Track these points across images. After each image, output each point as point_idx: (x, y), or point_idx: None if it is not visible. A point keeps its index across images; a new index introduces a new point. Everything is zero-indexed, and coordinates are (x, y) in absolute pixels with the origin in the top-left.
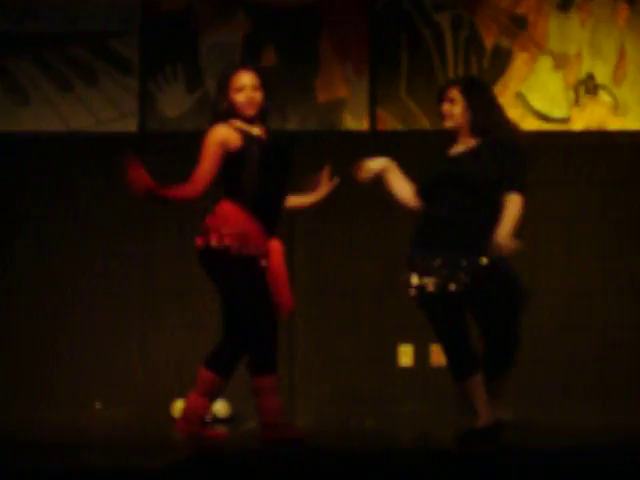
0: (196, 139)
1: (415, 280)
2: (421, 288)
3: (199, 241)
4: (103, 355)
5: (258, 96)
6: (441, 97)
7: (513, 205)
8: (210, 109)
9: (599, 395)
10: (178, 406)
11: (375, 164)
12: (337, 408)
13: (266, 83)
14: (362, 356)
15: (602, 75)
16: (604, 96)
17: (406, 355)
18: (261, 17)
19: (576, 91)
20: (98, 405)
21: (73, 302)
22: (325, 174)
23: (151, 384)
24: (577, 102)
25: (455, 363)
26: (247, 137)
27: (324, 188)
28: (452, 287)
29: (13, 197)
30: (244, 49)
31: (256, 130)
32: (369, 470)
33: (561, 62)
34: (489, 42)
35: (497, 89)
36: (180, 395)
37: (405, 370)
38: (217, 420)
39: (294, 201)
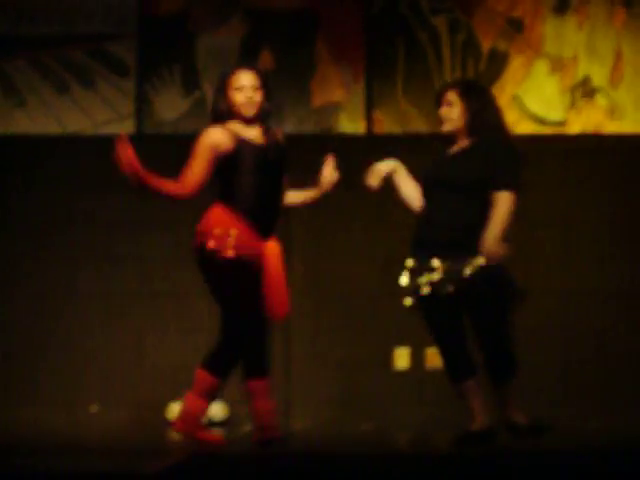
0: (193, 142)
1: (406, 282)
2: (416, 290)
3: (194, 243)
4: (99, 358)
5: (258, 96)
6: (439, 100)
7: (502, 204)
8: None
9: (596, 397)
10: (174, 409)
11: (383, 166)
12: (333, 411)
13: (266, 84)
14: (358, 359)
15: (598, 78)
16: (600, 99)
17: (402, 358)
18: (258, 20)
19: (572, 94)
20: (94, 408)
21: (69, 305)
22: (328, 165)
23: (147, 387)
24: (573, 105)
25: (451, 365)
26: (240, 140)
27: (327, 181)
28: (444, 290)
29: (9, 199)
30: (241, 52)
31: (253, 131)
32: (366, 474)
33: (557, 65)
34: (485, 45)
35: (493, 92)
36: (176, 398)
37: (401, 373)
38: (214, 423)
39: (296, 197)
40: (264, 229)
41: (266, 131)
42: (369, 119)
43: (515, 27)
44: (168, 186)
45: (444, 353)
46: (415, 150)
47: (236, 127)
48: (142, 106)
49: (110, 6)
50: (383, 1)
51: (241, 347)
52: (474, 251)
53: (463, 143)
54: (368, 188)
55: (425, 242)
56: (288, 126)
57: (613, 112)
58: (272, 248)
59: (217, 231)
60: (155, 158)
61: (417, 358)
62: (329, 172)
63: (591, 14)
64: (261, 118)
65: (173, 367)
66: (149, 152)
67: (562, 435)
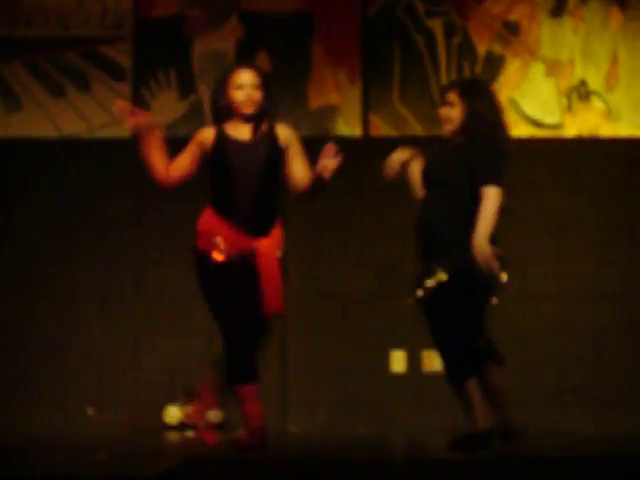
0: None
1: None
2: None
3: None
4: (95, 361)
5: (257, 95)
6: (440, 100)
7: (486, 200)
8: (209, 106)
9: (591, 401)
10: (171, 411)
11: (400, 156)
12: (329, 414)
13: (266, 83)
14: (354, 362)
15: (594, 81)
16: (596, 102)
17: (398, 361)
18: (254, 23)
19: (568, 97)
20: (90, 411)
21: (65, 308)
22: (329, 150)
23: (143, 389)
24: (569, 108)
25: (450, 366)
26: (225, 140)
27: (327, 162)
28: (419, 293)
29: (5, 202)
30: (237, 55)
31: (245, 130)
32: (362, 478)
33: (554, 68)
34: (482, 48)
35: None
36: (172, 401)
37: (397, 376)
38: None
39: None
40: (253, 228)
41: (260, 129)
42: (365, 122)
43: (511, 30)
44: (156, 166)
45: (442, 353)
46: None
47: (229, 127)
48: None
49: (106, 9)
50: (379, 4)
51: (238, 349)
52: (464, 248)
53: (458, 141)
54: (386, 179)
55: (419, 240)
56: None
57: (609, 115)
58: (263, 247)
59: (205, 235)
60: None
61: (413, 361)
62: (328, 159)
63: (587, 17)
64: (260, 117)
65: (169, 370)
66: None
67: (558, 439)
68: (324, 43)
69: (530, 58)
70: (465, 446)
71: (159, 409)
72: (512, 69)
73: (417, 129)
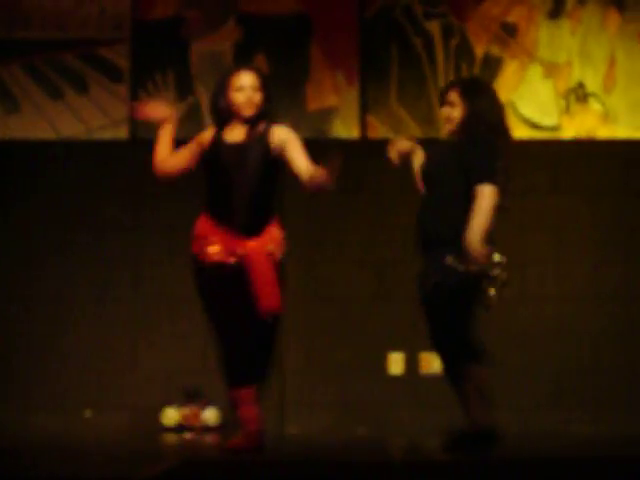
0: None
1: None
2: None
3: None
4: (93, 362)
5: (257, 97)
6: (442, 100)
7: (480, 198)
8: (209, 108)
9: (590, 402)
10: (168, 413)
11: (403, 145)
12: (328, 416)
13: (266, 85)
14: (352, 364)
15: (592, 83)
16: (594, 104)
17: (396, 363)
18: (252, 25)
19: (566, 99)
20: (88, 413)
21: (63, 310)
22: (334, 159)
23: (141, 391)
24: (567, 110)
25: (446, 356)
26: (219, 143)
27: (321, 173)
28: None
29: (3, 203)
30: (235, 57)
31: (241, 132)
32: (361, 479)
33: (551, 70)
34: (479, 50)
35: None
36: (170, 403)
37: (395, 378)
38: (207, 428)
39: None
40: (245, 230)
41: (255, 131)
42: (363, 124)
43: (509, 32)
44: (158, 152)
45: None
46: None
47: (228, 129)
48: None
49: (104, 11)
50: (377, 6)
51: (233, 352)
52: (457, 247)
53: (454, 141)
54: (389, 161)
55: (418, 239)
56: None
57: (607, 117)
58: (251, 248)
59: (198, 239)
60: (148, 163)
61: (411, 363)
62: (329, 168)
63: (585, 19)
64: (260, 119)
65: (167, 372)
66: (143, 157)
67: (558, 440)
68: (322, 45)
69: (528, 60)
70: (464, 446)
71: (157, 411)
72: (510, 71)
73: (415, 131)
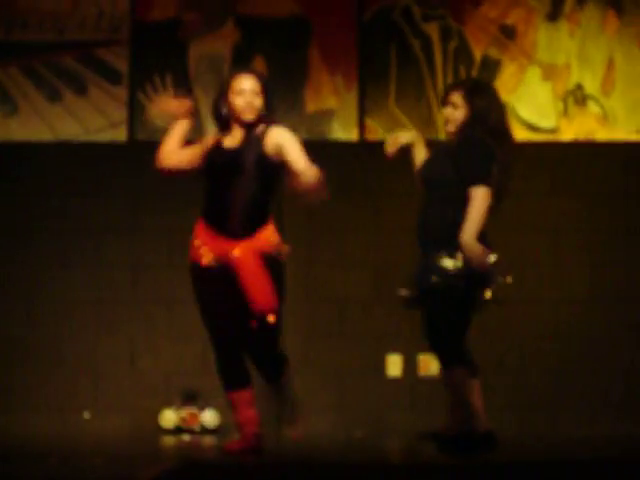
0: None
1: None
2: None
3: None
4: (91, 364)
5: (257, 101)
6: (444, 100)
7: (473, 199)
8: (212, 112)
9: (587, 405)
10: (167, 415)
11: (403, 137)
12: (326, 418)
13: (267, 89)
14: (350, 367)
15: (591, 85)
16: (593, 107)
17: (394, 365)
18: (250, 27)
19: (565, 102)
20: (87, 415)
21: (60, 311)
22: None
23: (139, 393)
24: (566, 113)
25: (438, 352)
26: (215, 147)
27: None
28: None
29: (1, 206)
30: (233, 59)
31: (237, 136)
32: None
33: (550, 72)
34: (478, 52)
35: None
36: (168, 405)
37: (393, 380)
38: (206, 430)
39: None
40: (236, 233)
41: (251, 134)
42: (361, 126)
43: (507, 34)
44: (165, 144)
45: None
46: (407, 157)
47: (228, 133)
48: (134, 113)
49: (103, 13)
50: (376, 8)
51: (227, 355)
52: (453, 247)
53: (451, 143)
54: (386, 155)
55: (418, 241)
56: None
57: (605, 119)
58: (237, 251)
59: (194, 243)
60: (147, 165)
61: (410, 365)
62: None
63: (583, 22)
64: (261, 123)
65: (165, 374)
66: (141, 159)
67: (554, 443)
68: (320, 47)
69: (526, 62)
70: (463, 449)
71: (155, 413)
72: (508, 73)
73: None
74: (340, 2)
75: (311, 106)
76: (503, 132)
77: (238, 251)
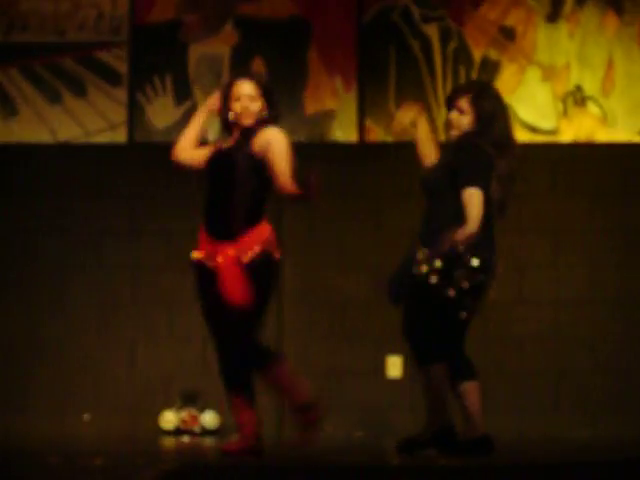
0: None
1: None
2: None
3: None
4: (91, 366)
5: (254, 106)
6: (450, 104)
7: (467, 203)
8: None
9: (588, 406)
10: (167, 417)
11: (406, 116)
12: (326, 419)
13: (268, 92)
14: (350, 368)
15: (590, 86)
16: (592, 107)
17: (395, 366)
18: (250, 29)
19: (564, 102)
20: (86, 417)
21: (60, 313)
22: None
23: (139, 395)
24: (565, 113)
25: (451, 365)
26: (214, 152)
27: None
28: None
29: (1, 208)
30: (233, 61)
31: (234, 139)
32: None
33: (549, 73)
34: (478, 53)
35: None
36: (168, 406)
37: (394, 381)
38: (206, 432)
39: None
40: (219, 234)
41: (243, 137)
42: (361, 127)
43: (507, 35)
44: (185, 138)
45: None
46: (407, 159)
47: (228, 137)
48: (134, 115)
49: (102, 15)
50: (375, 10)
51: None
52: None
53: (449, 147)
54: (392, 133)
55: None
56: None
57: (605, 120)
58: (220, 250)
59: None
60: (147, 166)
61: (410, 366)
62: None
63: (583, 23)
64: (262, 126)
65: (165, 376)
66: (141, 161)
67: (555, 445)
68: (320, 49)
69: (526, 63)
70: (463, 452)
71: (155, 415)
72: (508, 74)
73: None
74: (340, 3)
75: (310, 107)
76: (506, 144)
77: (221, 258)
